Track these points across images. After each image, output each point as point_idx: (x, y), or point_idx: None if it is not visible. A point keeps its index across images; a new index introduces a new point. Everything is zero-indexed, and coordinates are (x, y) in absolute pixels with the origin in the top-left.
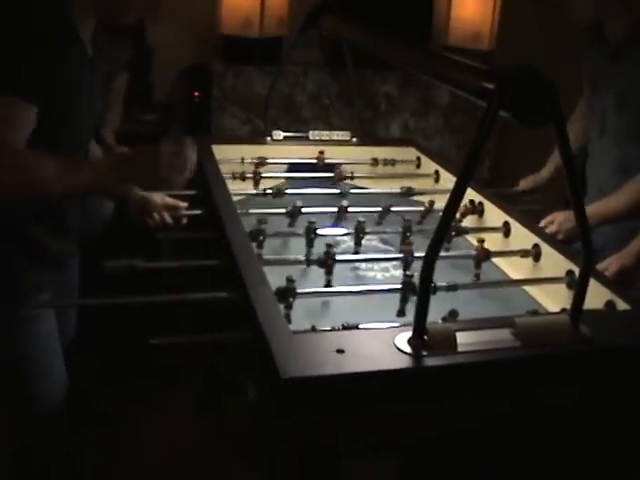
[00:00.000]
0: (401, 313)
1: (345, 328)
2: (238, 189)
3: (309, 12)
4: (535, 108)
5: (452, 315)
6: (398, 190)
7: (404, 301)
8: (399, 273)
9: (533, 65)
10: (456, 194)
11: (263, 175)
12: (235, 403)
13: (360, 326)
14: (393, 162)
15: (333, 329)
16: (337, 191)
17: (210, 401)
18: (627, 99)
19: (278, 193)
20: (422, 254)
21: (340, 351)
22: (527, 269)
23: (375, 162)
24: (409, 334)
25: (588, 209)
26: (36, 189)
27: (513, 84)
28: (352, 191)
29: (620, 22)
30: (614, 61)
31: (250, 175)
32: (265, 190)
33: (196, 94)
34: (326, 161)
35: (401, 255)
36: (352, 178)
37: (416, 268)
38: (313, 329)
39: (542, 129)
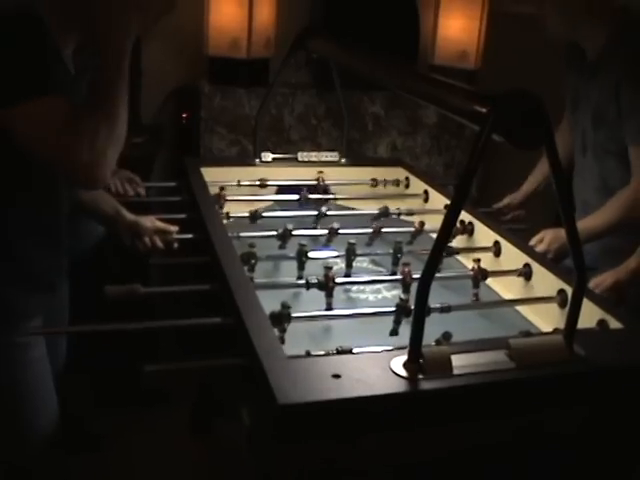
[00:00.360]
0: (394, 333)
1: (339, 352)
2: (227, 212)
3: (297, 34)
4: (527, 131)
5: (446, 337)
6: (384, 210)
7: (397, 322)
8: (391, 295)
9: (524, 88)
10: (450, 217)
11: (253, 198)
12: (228, 427)
13: (354, 350)
14: (382, 182)
15: (327, 353)
16: (314, 213)
17: (202, 424)
18: (602, 115)
19: (255, 216)
20: (417, 275)
21: (336, 376)
22: (518, 288)
23: (364, 182)
24: (405, 358)
25: None
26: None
27: (506, 107)
28: (328, 212)
29: (595, 40)
30: (591, 78)
31: (240, 198)
32: (255, 212)
33: (184, 115)
34: (315, 182)
35: (400, 277)
36: (342, 199)
37: (412, 289)
38: (307, 354)
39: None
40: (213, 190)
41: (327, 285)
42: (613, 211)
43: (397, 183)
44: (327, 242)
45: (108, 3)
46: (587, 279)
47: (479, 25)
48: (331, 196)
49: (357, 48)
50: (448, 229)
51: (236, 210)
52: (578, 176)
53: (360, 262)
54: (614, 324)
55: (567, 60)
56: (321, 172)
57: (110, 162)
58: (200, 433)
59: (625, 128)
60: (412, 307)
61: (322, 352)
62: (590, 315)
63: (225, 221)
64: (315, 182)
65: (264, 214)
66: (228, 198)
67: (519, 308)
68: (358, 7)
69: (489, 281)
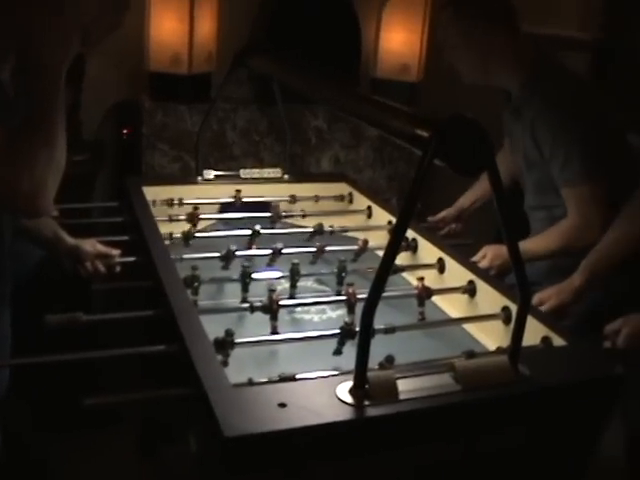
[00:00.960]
0: (338, 352)
1: (282, 379)
2: (169, 232)
3: (237, 52)
4: (469, 156)
5: (388, 361)
6: (327, 227)
7: (341, 343)
8: (336, 314)
9: (465, 113)
10: (392, 248)
11: (195, 217)
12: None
13: (300, 376)
14: (325, 198)
15: (270, 381)
16: (248, 232)
17: (150, 448)
18: (531, 158)
19: (188, 237)
20: (362, 295)
21: (282, 405)
22: (463, 305)
23: (307, 199)
24: (350, 383)
25: None
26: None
27: (448, 133)
28: (262, 231)
29: (512, 84)
30: (517, 121)
31: (182, 217)
32: (188, 233)
33: (125, 131)
34: (259, 199)
35: (344, 298)
36: (285, 217)
37: (358, 309)
38: (250, 382)
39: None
40: (159, 211)
41: (271, 308)
42: (552, 239)
43: (341, 199)
44: (271, 262)
45: (46, 23)
46: (530, 299)
47: (420, 38)
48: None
49: (298, 67)
50: (389, 262)
51: (179, 230)
52: (526, 205)
53: (305, 281)
54: (557, 341)
55: (503, 98)
56: (239, 191)
57: (51, 190)
58: (149, 457)
59: (551, 171)
60: (357, 329)
61: (265, 379)
62: (534, 332)
63: (168, 242)
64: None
65: (208, 234)
66: (164, 219)
67: (465, 325)
68: (300, 20)
69: (434, 298)
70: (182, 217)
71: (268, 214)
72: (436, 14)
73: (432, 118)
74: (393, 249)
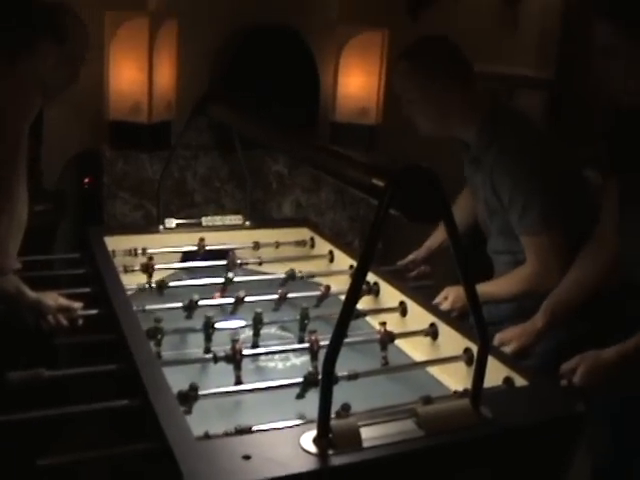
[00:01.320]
0: (300, 396)
1: (239, 432)
2: (131, 283)
3: (197, 101)
4: (424, 205)
5: (344, 409)
6: (289, 273)
7: (304, 390)
8: (299, 361)
9: (420, 163)
10: (354, 290)
11: (155, 267)
12: None
13: (257, 427)
14: (287, 244)
15: (226, 434)
16: (221, 280)
17: None
18: (491, 206)
19: (161, 286)
20: (325, 342)
21: (246, 457)
22: (425, 348)
23: (268, 245)
24: (314, 433)
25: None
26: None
27: (402, 183)
28: (238, 278)
29: (468, 135)
30: (476, 170)
31: (143, 268)
32: (150, 284)
33: (86, 180)
34: (219, 247)
35: (307, 345)
36: (246, 264)
37: (321, 355)
38: (206, 435)
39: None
40: (121, 261)
41: (234, 358)
42: (513, 284)
43: (302, 244)
44: (234, 310)
45: (3, 84)
46: (489, 343)
47: (378, 81)
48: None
49: (256, 116)
50: (349, 312)
51: (139, 280)
52: (489, 250)
53: (268, 329)
54: (520, 381)
55: (462, 149)
56: (202, 239)
57: (12, 250)
58: None
59: (510, 220)
60: (320, 377)
61: (225, 431)
62: (496, 372)
63: (130, 292)
64: (217, 247)
65: (170, 284)
66: (134, 268)
67: (428, 368)
68: (259, 67)
69: (397, 342)
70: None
71: (224, 262)
72: (393, 58)
73: (387, 168)
74: (352, 298)
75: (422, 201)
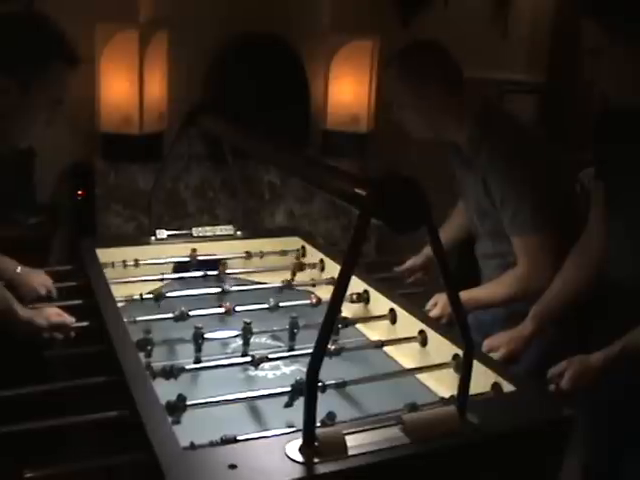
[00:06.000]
0: (289, 405)
1: (224, 441)
2: (123, 295)
3: (187, 112)
4: (406, 214)
5: (330, 418)
6: (281, 283)
7: (292, 398)
8: (289, 370)
9: (404, 172)
10: (335, 299)
11: (147, 278)
12: None
13: (243, 436)
14: (279, 253)
15: (212, 443)
16: (219, 290)
17: None
18: (483, 208)
19: (158, 297)
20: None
21: (233, 466)
22: (415, 354)
23: (261, 255)
24: (300, 441)
25: (464, 294)
26: None
27: (383, 192)
28: (232, 288)
29: (460, 137)
30: (468, 171)
31: (134, 279)
32: (142, 295)
33: (79, 193)
34: (211, 257)
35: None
36: (237, 274)
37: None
38: (192, 446)
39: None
40: (114, 272)
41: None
42: (503, 288)
43: (293, 253)
44: (225, 320)
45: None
46: (473, 350)
47: (369, 89)
48: (230, 271)
49: (245, 128)
50: (334, 314)
51: (131, 292)
52: (477, 254)
53: (259, 337)
54: (507, 387)
55: (450, 151)
56: (195, 250)
57: None
58: None
59: (502, 221)
60: None
61: (206, 442)
62: (485, 378)
63: (121, 304)
64: (209, 257)
65: (176, 294)
66: (122, 280)
67: (418, 375)
68: (249, 76)
69: (387, 349)
70: (137, 278)
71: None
72: (384, 66)
73: (368, 178)
74: (334, 307)
75: (404, 211)
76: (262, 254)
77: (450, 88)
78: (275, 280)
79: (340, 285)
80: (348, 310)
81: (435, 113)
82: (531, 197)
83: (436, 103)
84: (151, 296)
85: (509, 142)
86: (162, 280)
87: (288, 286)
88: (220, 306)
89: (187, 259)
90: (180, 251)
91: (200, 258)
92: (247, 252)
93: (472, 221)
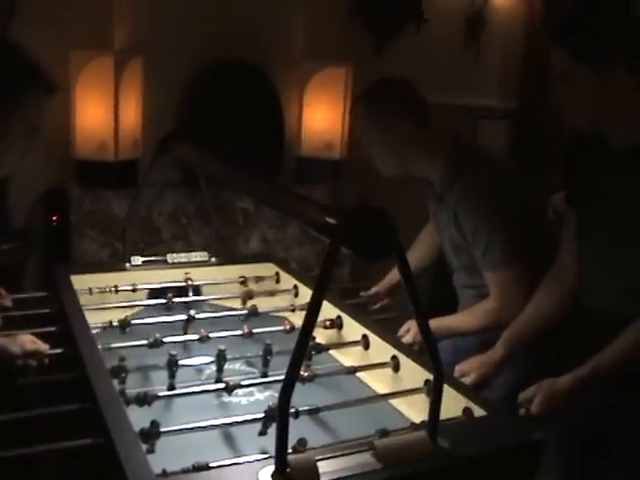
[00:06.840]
0: (263, 433)
1: (196, 469)
2: (98, 321)
3: (160, 140)
4: (375, 243)
5: (301, 444)
6: (254, 309)
7: (266, 425)
8: (263, 396)
9: (376, 198)
10: (307, 325)
11: (120, 305)
12: None
13: (214, 463)
14: (252, 280)
15: (184, 470)
16: (184, 317)
17: None
18: (456, 243)
19: (124, 325)
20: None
21: None
22: (387, 380)
23: (234, 281)
24: (272, 468)
25: (436, 322)
26: None
27: (352, 222)
28: (197, 316)
29: (431, 173)
30: (440, 206)
31: (109, 305)
32: (111, 322)
33: (54, 218)
34: (186, 284)
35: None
36: (210, 299)
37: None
38: (164, 473)
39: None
40: (89, 299)
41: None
42: (476, 318)
43: (267, 279)
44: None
45: None
46: (443, 376)
47: (342, 115)
48: (201, 297)
49: (217, 157)
50: (301, 351)
51: (106, 318)
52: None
53: (233, 364)
54: (478, 412)
55: (424, 186)
56: (188, 273)
57: None
58: None
59: (475, 256)
60: None
61: (179, 469)
62: (456, 403)
63: (95, 331)
64: (184, 284)
65: (134, 321)
66: (96, 307)
67: (390, 400)
68: (223, 104)
69: (360, 374)
70: (109, 305)
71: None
72: (356, 93)
73: (338, 208)
74: (305, 333)
75: (373, 240)
76: (238, 280)
77: (417, 124)
78: (247, 306)
79: (311, 312)
80: (322, 336)
81: (404, 148)
82: (501, 233)
83: (404, 139)
84: (116, 324)
85: (480, 178)
86: (136, 307)
87: (254, 312)
88: (191, 333)
89: (159, 286)
90: (154, 277)
91: (174, 285)
92: (221, 279)
93: (447, 254)
